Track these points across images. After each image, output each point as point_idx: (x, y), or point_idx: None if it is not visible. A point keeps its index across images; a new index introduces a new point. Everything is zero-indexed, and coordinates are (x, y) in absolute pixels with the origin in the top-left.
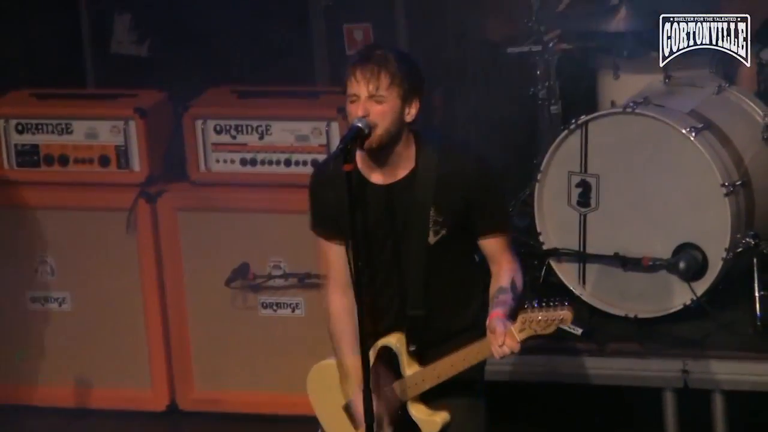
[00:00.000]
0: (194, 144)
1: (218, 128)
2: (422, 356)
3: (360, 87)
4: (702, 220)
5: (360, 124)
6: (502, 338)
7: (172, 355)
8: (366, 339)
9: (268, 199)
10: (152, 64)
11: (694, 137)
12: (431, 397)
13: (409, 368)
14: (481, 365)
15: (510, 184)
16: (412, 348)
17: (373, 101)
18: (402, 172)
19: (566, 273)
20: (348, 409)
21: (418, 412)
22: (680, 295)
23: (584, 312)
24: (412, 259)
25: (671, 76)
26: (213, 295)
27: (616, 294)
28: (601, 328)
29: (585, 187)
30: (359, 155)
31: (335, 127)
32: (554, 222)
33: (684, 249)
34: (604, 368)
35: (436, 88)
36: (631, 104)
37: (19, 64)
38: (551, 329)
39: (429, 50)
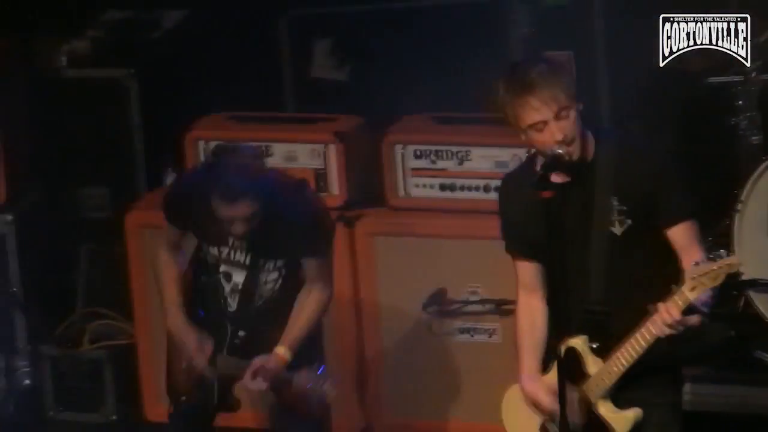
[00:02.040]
0: (393, 169)
1: (418, 153)
2: (606, 353)
3: (544, 112)
4: None
5: (560, 151)
6: (663, 312)
7: (365, 378)
8: (556, 346)
9: (466, 225)
10: (350, 89)
11: None
12: (625, 398)
13: (594, 366)
14: (676, 368)
15: (707, 215)
16: (595, 345)
17: (560, 118)
18: (573, 172)
19: (766, 304)
20: (544, 429)
21: (606, 410)
22: None
23: None
24: (596, 252)
25: None
26: (409, 320)
27: None
28: None
29: None
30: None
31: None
32: (753, 252)
33: None
34: None
35: (633, 119)
36: None
37: (219, 87)
38: (720, 279)
39: (627, 80)
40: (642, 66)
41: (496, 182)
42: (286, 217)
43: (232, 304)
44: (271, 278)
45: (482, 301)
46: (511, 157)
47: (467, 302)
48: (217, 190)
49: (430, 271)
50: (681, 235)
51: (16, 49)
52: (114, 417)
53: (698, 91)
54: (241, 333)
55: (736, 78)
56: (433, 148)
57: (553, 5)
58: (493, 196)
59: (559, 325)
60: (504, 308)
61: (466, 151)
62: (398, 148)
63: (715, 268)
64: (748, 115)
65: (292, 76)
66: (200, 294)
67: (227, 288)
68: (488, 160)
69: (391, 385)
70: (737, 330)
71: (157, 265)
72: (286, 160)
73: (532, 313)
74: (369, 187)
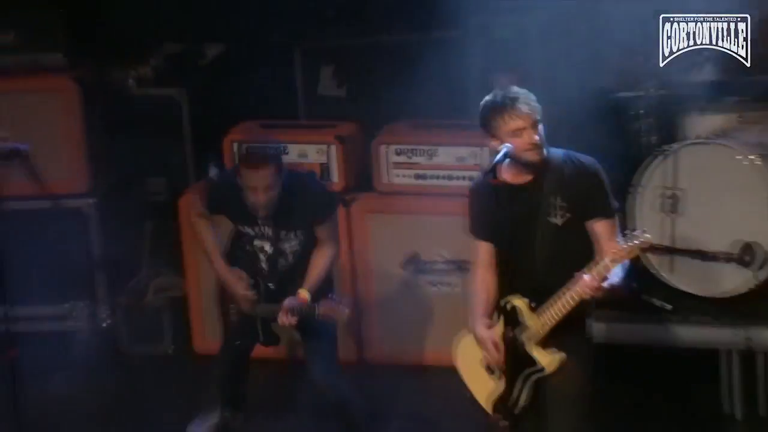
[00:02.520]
0: (379, 163)
1: (398, 151)
2: (539, 309)
3: (526, 119)
4: (763, 223)
5: (508, 150)
6: (585, 278)
7: (362, 320)
8: (501, 300)
9: (435, 205)
10: (348, 103)
11: (759, 161)
12: (547, 341)
13: (530, 319)
14: (581, 313)
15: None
16: (533, 304)
17: (535, 127)
18: (532, 174)
19: (658, 263)
20: (485, 364)
21: (535, 351)
22: (745, 281)
23: (671, 292)
24: (542, 236)
25: (743, 116)
26: (392, 276)
27: (696, 279)
28: (684, 305)
29: (674, 198)
30: (510, 168)
31: (486, 151)
32: (648, 225)
33: (748, 246)
34: (686, 334)
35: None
36: (711, 136)
37: (249, 101)
38: (634, 252)
39: (560, 91)
40: (570, 86)
41: (457, 173)
42: (302, 196)
43: (265, 267)
44: (293, 245)
45: (446, 262)
46: (469, 153)
47: (435, 262)
48: (243, 160)
49: (408, 239)
50: (604, 229)
51: (97, 74)
52: (171, 349)
53: (611, 103)
54: (271, 285)
55: (638, 93)
56: (410, 147)
57: (500, 38)
58: (455, 183)
59: (506, 290)
60: (462, 267)
61: (434, 149)
62: (383, 147)
63: (634, 245)
64: (648, 120)
65: (304, 93)
66: (240, 262)
67: (262, 256)
68: (451, 156)
69: (379, 325)
70: (634, 281)
71: (198, 230)
72: (299, 156)
73: (486, 283)
74: (362, 177)
